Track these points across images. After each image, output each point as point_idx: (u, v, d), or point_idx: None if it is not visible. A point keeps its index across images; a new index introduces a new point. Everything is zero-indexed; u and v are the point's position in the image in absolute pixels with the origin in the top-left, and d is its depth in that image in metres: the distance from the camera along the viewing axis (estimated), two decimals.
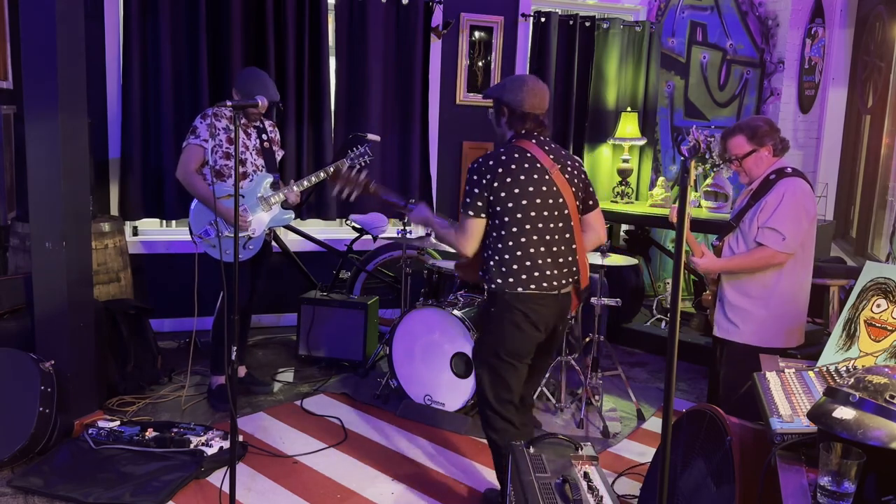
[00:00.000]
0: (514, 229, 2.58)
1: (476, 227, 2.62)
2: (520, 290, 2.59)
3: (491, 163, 2.60)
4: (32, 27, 3.19)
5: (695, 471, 2.14)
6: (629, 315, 5.26)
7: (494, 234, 2.62)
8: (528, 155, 2.62)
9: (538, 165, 2.61)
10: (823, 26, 5.80)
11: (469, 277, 2.88)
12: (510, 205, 2.57)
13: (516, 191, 2.57)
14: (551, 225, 2.62)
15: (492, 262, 2.64)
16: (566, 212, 2.65)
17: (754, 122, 3.04)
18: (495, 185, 2.57)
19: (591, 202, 2.77)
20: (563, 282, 2.66)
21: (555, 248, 2.63)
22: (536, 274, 2.60)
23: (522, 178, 2.58)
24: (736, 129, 3.03)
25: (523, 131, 2.66)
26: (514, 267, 2.59)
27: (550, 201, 2.61)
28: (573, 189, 2.67)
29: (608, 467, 3.26)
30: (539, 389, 3.88)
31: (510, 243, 2.59)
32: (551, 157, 2.64)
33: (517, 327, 2.63)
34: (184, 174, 3.62)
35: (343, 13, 4.98)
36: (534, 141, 2.65)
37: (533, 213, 2.59)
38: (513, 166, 2.59)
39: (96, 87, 4.49)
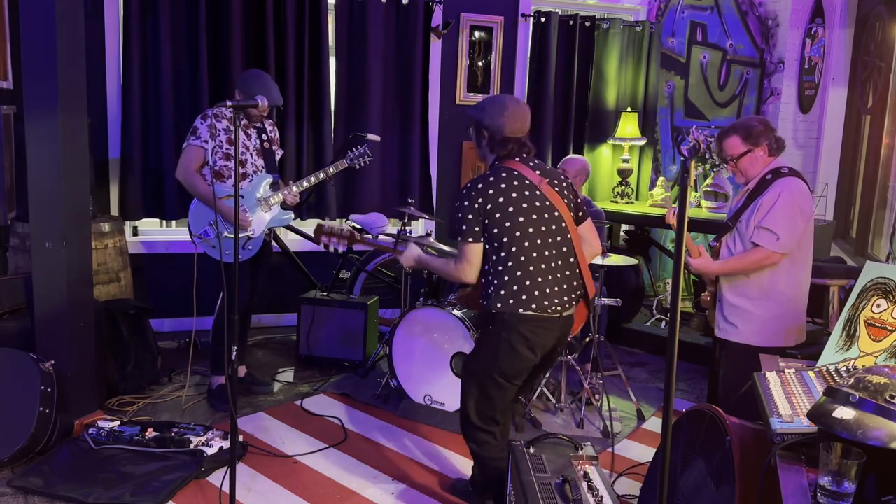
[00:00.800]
0: (514, 249, 2.55)
1: (475, 252, 2.59)
2: (521, 310, 2.55)
3: (480, 185, 2.58)
4: (32, 27, 3.19)
5: (695, 471, 2.14)
6: (629, 315, 5.26)
7: (494, 256, 2.58)
8: (516, 173, 2.60)
9: (527, 182, 2.59)
10: (823, 26, 5.81)
11: (471, 306, 2.86)
12: (507, 224, 2.54)
13: (510, 209, 2.54)
14: (549, 240, 2.59)
15: (491, 288, 2.59)
16: (563, 224, 2.62)
17: (749, 122, 3.04)
18: (488, 206, 2.55)
19: (580, 213, 2.73)
20: (566, 299, 2.61)
21: (554, 264, 2.59)
22: (537, 293, 2.55)
23: (514, 195, 2.56)
24: (731, 130, 3.03)
25: (505, 153, 2.64)
26: (515, 288, 2.55)
27: (546, 215, 2.59)
28: (565, 201, 2.65)
29: (608, 467, 3.26)
30: (539, 389, 3.88)
31: (510, 264, 2.55)
32: (538, 172, 2.63)
33: (513, 349, 2.58)
34: (184, 174, 3.62)
35: (343, 13, 4.98)
36: (518, 159, 2.64)
37: (531, 230, 2.56)
38: (503, 185, 2.57)
39: (96, 87, 4.49)
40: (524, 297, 2.55)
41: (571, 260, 2.64)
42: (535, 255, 2.56)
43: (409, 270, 4.15)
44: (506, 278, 2.56)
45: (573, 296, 2.65)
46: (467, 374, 2.75)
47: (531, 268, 2.55)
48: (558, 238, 2.60)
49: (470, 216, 2.56)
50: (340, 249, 3.01)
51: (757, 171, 2.99)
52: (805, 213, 2.90)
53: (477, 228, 2.56)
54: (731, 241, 3.04)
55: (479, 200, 2.56)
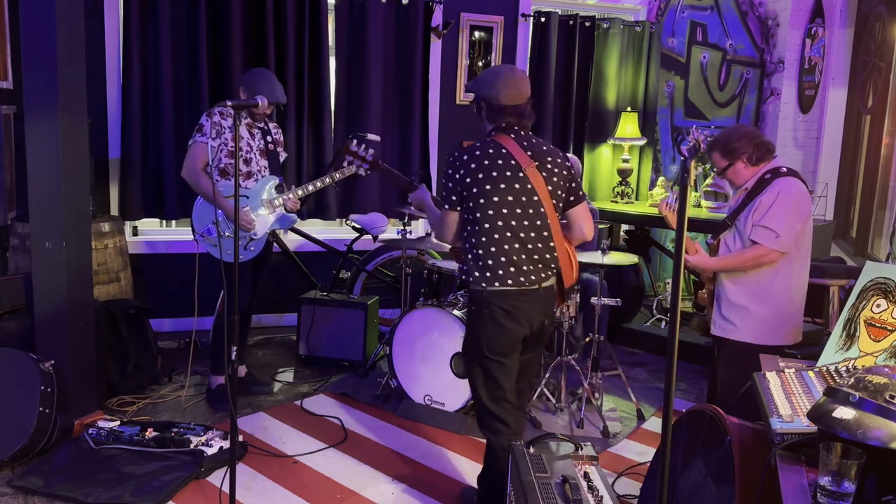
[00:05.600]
0: (487, 225, 2.58)
1: (452, 218, 2.67)
2: (497, 285, 2.59)
3: (465, 157, 2.61)
4: (32, 27, 3.19)
5: (695, 471, 2.14)
6: (629, 315, 5.26)
7: (469, 228, 2.63)
8: (503, 151, 2.59)
9: (512, 162, 2.58)
10: (823, 26, 5.81)
11: (458, 260, 2.89)
12: (482, 200, 2.57)
13: (487, 187, 2.57)
14: (525, 222, 2.60)
15: (469, 258, 2.65)
16: (542, 210, 2.62)
17: (726, 136, 3.11)
18: (467, 180, 2.58)
19: (572, 198, 2.72)
20: (542, 275, 2.65)
21: (530, 245, 2.61)
22: (513, 270, 2.59)
23: (494, 174, 2.57)
24: (712, 145, 3.14)
25: (503, 124, 2.64)
26: (490, 262, 2.59)
27: (524, 198, 2.59)
28: (550, 187, 2.63)
29: (608, 467, 3.26)
30: (539, 389, 3.88)
31: (483, 239, 2.59)
32: (529, 153, 2.61)
33: (498, 324, 2.61)
34: (190, 173, 3.61)
35: (343, 13, 4.98)
36: (512, 136, 2.62)
37: (505, 210, 2.58)
38: (485, 162, 2.57)
39: (96, 87, 4.49)
40: (500, 272, 2.59)
41: (551, 244, 2.66)
42: (509, 234, 2.58)
43: (410, 270, 4.16)
44: (480, 252, 2.61)
45: (549, 272, 2.68)
46: (467, 359, 2.78)
47: (506, 246, 2.59)
48: (537, 222, 2.62)
49: (451, 185, 2.62)
50: (362, 172, 3.15)
51: (743, 179, 3.07)
52: (803, 212, 2.92)
53: (454, 197, 2.62)
54: (729, 238, 3.07)
55: (462, 171, 2.59)
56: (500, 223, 2.58)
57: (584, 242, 2.84)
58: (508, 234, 2.58)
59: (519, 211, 2.59)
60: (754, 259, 2.93)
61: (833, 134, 5.86)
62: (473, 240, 2.61)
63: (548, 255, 2.64)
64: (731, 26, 5.95)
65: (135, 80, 4.60)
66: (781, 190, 2.89)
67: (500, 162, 2.58)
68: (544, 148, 2.67)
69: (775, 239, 2.87)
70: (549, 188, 2.63)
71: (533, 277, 2.61)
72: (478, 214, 2.58)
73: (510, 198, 2.57)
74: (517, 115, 2.63)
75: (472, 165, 2.57)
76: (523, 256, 2.60)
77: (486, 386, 2.70)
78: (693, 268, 3.13)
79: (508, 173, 2.57)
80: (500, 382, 2.69)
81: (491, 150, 2.59)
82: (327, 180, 3.84)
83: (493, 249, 2.58)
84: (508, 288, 2.59)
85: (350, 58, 5.04)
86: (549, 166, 2.64)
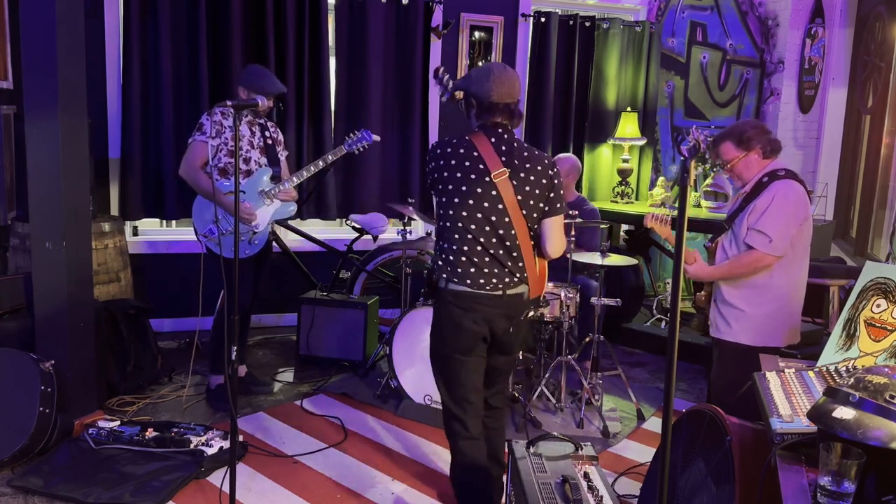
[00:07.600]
0: (449, 224, 2.56)
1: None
2: (456, 283, 2.55)
3: (438, 151, 2.57)
4: (32, 27, 3.19)
5: (695, 471, 2.14)
6: (629, 315, 5.26)
7: (438, 223, 2.62)
8: (475, 154, 2.51)
9: (480, 166, 2.50)
10: (823, 26, 5.81)
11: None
12: (444, 199, 2.56)
13: (450, 186, 2.52)
14: (487, 228, 2.52)
15: (436, 252, 2.64)
16: (506, 219, 2.52)
17: (741, 126, 3.06)
18: (435, 175, 2.57)
19: (547, 209, 2.60)
20: (508, 281, 2.57)
21: (492, 251, 2.54)
22: (473, 271, 2.53)
23: (459, 174, 2.51)
24: (723, 136, 3.06)
25: (490, 124, 2.55)
26: (451, 259, 2.56)
27: (486, 204, 2.50)
28: (520, 196, 2.52)
29: (608, 467, 3.26)
30: (539, 389, 3.88)
31: (446, 236, 2.58)
32: (503, 158, 2.51)
33: (454, 322, 2.57)
34: (189, 171, 3.61)
35: (343, 13, 4.98)
36: (492, 139, 2.53)
37: (465, 213, 2.51)
38: (452, 162, 2.52)
39: (96, 87, 4.49)
40: (460, 270, 2.55)
41: (514, 254, 2.56)
42: (469, 237, 2.53)
43: (410, 270, 4.15)
44: (445, 246, 2.59)
45: (516, 279, 2.59)
46: (432, 359, 2.76)
47: (466, 247, 2.54)
48: (500, 231, 2.52)
49: (428, 172, 2.62)
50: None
51: (753, 173, 3.01)
52: (800, 215, 2.91)
53: (431, 183, 2.61)
54: (726, 242, 3.06)
55: (432, 164, 2.58)
56: (460, 224, 2.53)
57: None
58: (469, 237, 2.53)
59: (479, 216, 2.51)
60: (750, 265, 2.92)
61: (833, 134, 5.86)
62: (443, 234, 2.61)
63: (510, 263, 2.56)
64: (731, 26, 5.95)
65: (135, 80, 4.60)
66: (777, 193, 2.88)
67: (467, 164, 2.50)
68: (525, 154, 2.56)
69: (769, 244, 2.86)
70: (519, 197, 2.52)
71: (495, 281, 2.55)
72: (440, 211, 2.59)
73: (471, 201, 2.50)
74: (507, 113, 2.54)
75: (441, 162, 2.54)
76: (486, 260, 2.54)
77: (447, 385, 2.68)
78: (692, 278, 3.12)
79: (473, 176, 2.50)
80: (461, 380, 2.64)
81: (462, 150, 2.52)
82: (320, 163, 3.83)
83: (454, 248, 2.55)
84: (466, 289, 2.54)
85: (350, 58, 5.04)
86: (522, 175, 2.53)
